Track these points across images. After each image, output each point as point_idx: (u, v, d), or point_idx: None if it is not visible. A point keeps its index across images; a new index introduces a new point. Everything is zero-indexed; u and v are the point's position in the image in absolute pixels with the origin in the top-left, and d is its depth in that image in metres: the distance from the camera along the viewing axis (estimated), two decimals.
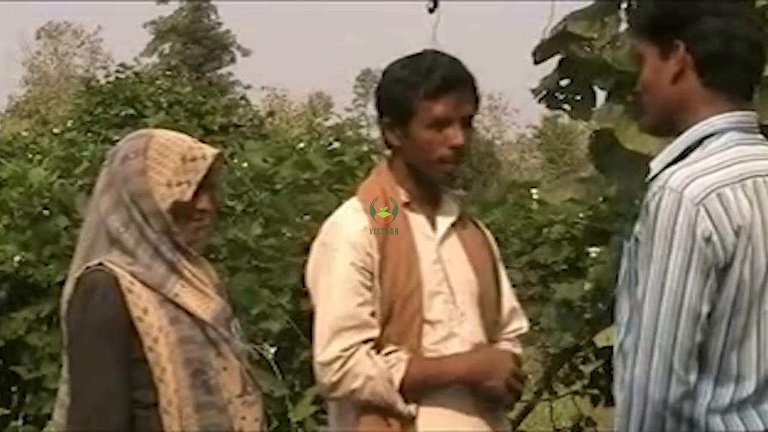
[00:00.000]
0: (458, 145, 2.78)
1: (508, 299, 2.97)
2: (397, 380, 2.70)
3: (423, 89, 2.77)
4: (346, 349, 2.72)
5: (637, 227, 2.19)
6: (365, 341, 2.72)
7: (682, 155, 2.21)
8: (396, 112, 2.81)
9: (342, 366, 2.71)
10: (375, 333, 2.74)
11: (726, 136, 2.21)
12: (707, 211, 2.11)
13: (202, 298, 2.56)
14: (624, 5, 4.30)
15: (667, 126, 2.29)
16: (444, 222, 2.87)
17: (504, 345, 2.90)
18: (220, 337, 2.56)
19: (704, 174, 2.14)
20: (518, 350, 2.93)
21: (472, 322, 2.81)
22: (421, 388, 2.73)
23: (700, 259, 2.09)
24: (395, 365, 2.71)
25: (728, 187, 2.14)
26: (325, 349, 2.73)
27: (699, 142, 2.22)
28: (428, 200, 2.87)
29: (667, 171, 2.17)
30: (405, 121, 2.79)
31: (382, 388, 2.70)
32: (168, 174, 2.53)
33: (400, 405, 2.71)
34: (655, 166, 2.24)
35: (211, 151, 2.59)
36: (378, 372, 2.70)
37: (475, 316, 2.82)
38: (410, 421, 2.73)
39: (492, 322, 2.88)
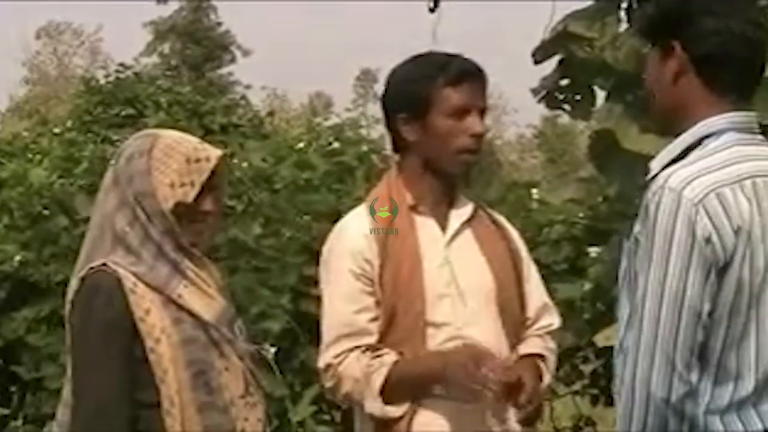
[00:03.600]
0: (479, 133, 2.76)
1: (538, 295, 2.93)
2: (377, 384, 2.69)
3: (442, 78, 2.75)
4: (338, 356, 2.73)
5: (637, 227, 2.18)
6: (360, 347, 2.72)
7: (682, 155, 2.21)
8: (413, 104, 2.77)
9: (334, 372, 2.74)
10: (372, 339, 2.73)
11: (725, 136, 2.21)
12: (706, 211, 2.10)
13: (205, 299, 2.56)
14: (624, 5, 4.30)
15: (673, 126, 2.28)
16: (456, 221, 2.83)
17: (532, 342, 2.86)
18: (222, 338, 2.56)
19: (703, 174, 2.14)
20: (551, 344, 2.89)
21: (486, 323, 2.77)
22: (406, 390, 2.70)
23: (699, 258, 2.09)
24: (377, 370, 2.70)
25: (727, 188, 2.13)
26: (322, 355, 2.77)
27: (698, 142, 2.21)
28: (441, 200, 2.83)
29: (666, 171, 2.17)
30: (423, 113, 2.76)
31: (366, 391, 2.70)
32: (172, 175, 2.52)
33: (375, 407, 2.69)
34: (654, 166, 2.24)
35: (215, 153, 2.58)
36: (363, 376, 2.71)
37: (489, 317, 2.77)
38: (396, 422, 2.69)
39: (514, 320, 2.83)
